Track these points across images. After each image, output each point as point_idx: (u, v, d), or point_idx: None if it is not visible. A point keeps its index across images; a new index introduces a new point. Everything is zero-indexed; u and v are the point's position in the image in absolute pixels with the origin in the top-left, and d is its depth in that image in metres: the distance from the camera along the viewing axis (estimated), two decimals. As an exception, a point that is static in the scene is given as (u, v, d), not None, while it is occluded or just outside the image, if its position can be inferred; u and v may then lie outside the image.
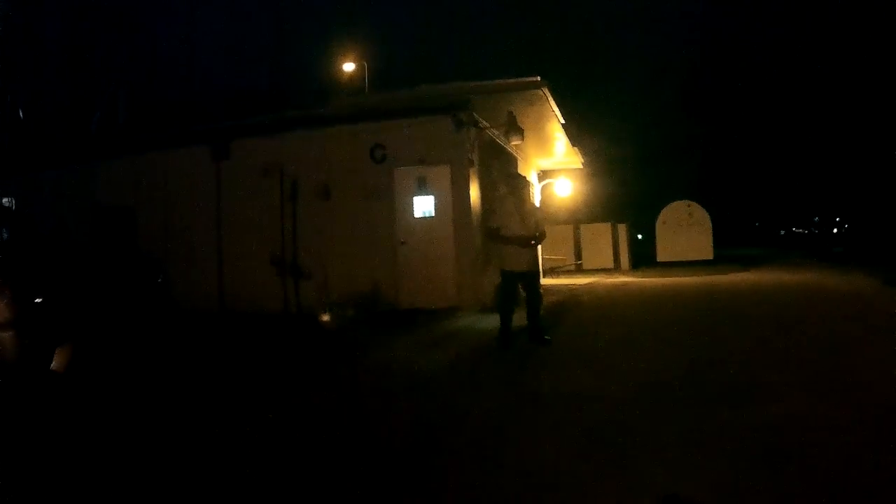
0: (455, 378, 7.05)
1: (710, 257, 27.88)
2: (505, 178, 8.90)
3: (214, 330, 11.64)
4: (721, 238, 28.40)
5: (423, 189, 12.78)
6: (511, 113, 13.01)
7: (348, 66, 20.26)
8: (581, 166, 22.12)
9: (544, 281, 19.92)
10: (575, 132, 17.54)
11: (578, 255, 26.20)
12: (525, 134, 15.34)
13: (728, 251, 34.60)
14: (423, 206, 12.79)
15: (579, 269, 25.45)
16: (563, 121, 14.81)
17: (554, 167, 22.10)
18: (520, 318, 8.72)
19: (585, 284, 18.67)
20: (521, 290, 8.74)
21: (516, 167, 17.57)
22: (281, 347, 9.48)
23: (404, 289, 12.78)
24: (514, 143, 13.40)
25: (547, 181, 21.79)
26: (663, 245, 28.83)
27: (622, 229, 26.70)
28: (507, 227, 8.46)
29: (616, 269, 25.94)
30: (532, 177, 20.22)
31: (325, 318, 12.01)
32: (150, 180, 14.60)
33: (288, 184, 13.25)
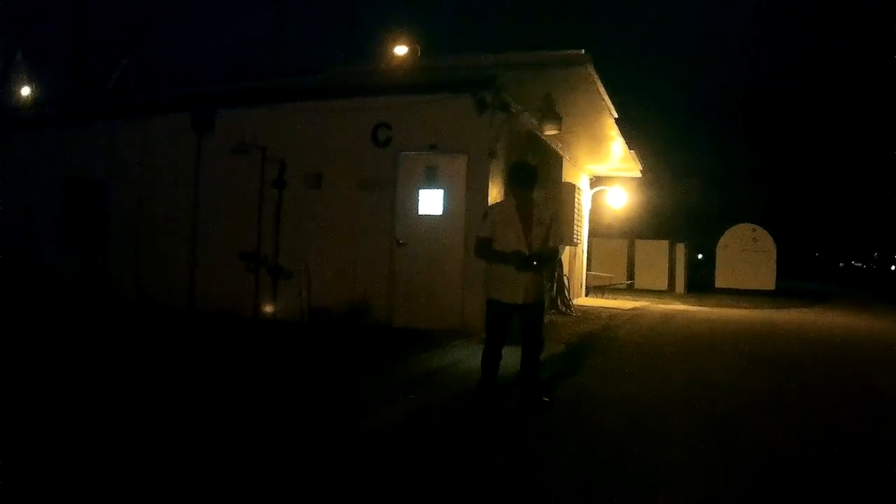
0: (373, 467, 4.68)
1: (772, 288, 25.48)
2: (512, 169, 6.42)
3: (141, 332, 9.50)
4: (780, 268, 26.31)
5: (431, 181, 10.43)
6: (549, 95, 10.53)
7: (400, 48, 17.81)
8: (639, 174, 19.47)
9: (586, 301, 17.36)
10: (631, 133, 14.98)
11: (630, 274, 23.78)
12: (573, 129, 12.95)
13: (787, 282, 31.57)
14: (431, 201, 10.44)
15: (630, 289, 22.97)
16: (615, 114, 12.27)
17: (608, 174, 19.45)
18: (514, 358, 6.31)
19: (630, 310, 16.05)
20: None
21: (560, 168, 15.10)
22: (192, 372, 7.21)
23: (398, 302, 10.44)
24: (548, 131, 10.89)
25: (600, 188, 19.21)
26: (723, 270, 26.44)
27: (680, 249, 24.44)
28: (501, 239, 6.03)
29: (670, 291, 23.58)
30: (582, 182, 17.66)
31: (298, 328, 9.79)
32: (125, 152, 12.55)
33: (273, 166, 11.00)
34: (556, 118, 10.58)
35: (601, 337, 11.27)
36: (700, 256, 30.19)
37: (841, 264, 69.69)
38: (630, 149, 15.83)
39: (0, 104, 14.13)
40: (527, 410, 6.06)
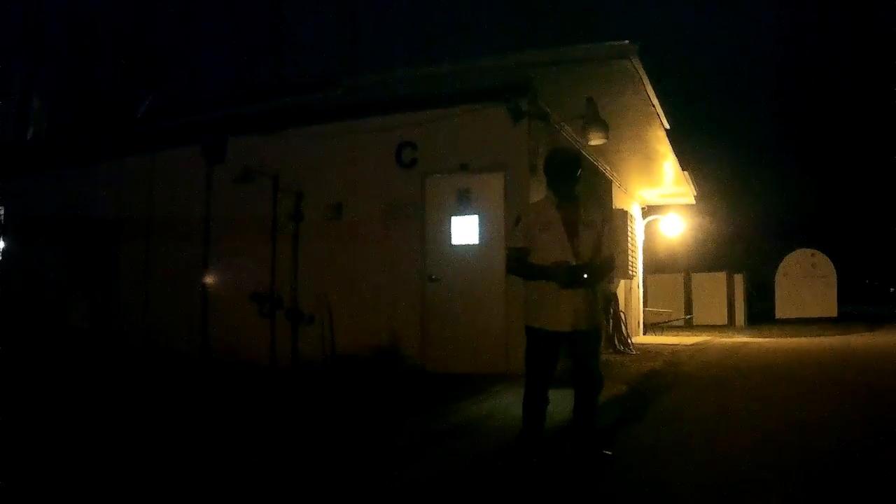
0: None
1: (834, 314, 23.80)
2: (549, 159, 5.03)
3: (143, 389, 8.28)
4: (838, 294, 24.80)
5: (465, 206, 9.18)
6: (591, 100, 9.26)
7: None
8: (693, 201, 18.03)
9: (643, 339, 15.82)
10: (684, 151, 13.62)
11: (688, 309, 22.25)
12: (621, 146, 11.72)
13: (844, 308, 29.63)
14: (465, 229, 9.17)
15: (688, 326, 21.41)
16: (666, 124, 10.96)
17: (660, 201, 18.02)
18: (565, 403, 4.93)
19: (693, 345, 14.50)
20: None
21: (610, 194, 13.79)
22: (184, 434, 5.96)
23: (432, 345, 9.12)
24: (594, 141, 9.55)
25: (653, 217, 17.80)
26: (783, 299, 24.87)
27: (738, 281, 22.97)
28: (539, 249, 4.72)
29: (730, 325, 21.99)
30: (634, 210, 16.26)
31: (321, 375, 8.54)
32: (133, 190, 11.51)
33: (289, 197, 9.88)
34: (602, 125, 9.30)
35: (666, 374, 9.85)
36: (753, 292, 28.31)
37: (892, 289, 67.51)
38: (683, 170, 14.46)
39: (7, 149, 13.30)
40: (582, 466, 4.68)
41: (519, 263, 4.79)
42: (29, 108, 13.83)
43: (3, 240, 13.62)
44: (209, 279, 10.55)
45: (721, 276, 22.83)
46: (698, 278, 22.87)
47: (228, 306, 10.23)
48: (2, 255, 13.53)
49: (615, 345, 12.43)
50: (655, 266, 20.82)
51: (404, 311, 9.28)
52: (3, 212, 13.86)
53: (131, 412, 6.94)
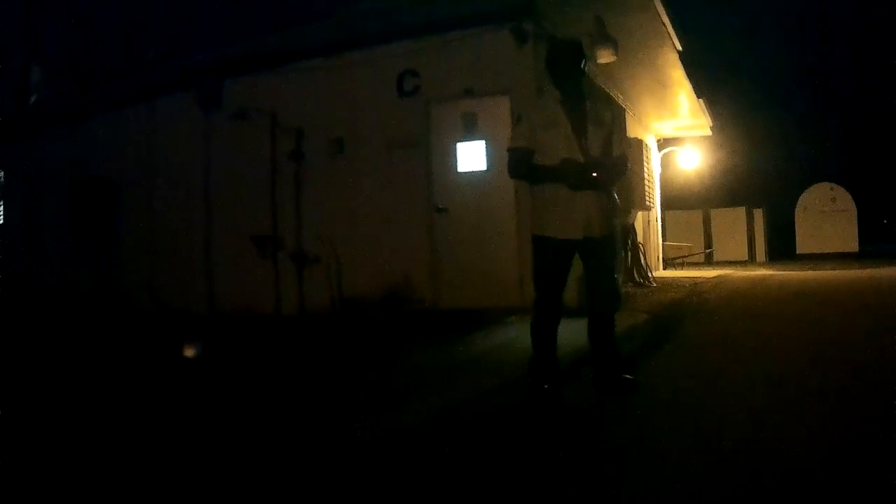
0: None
1: (856, 250, 23.36)
2: (551, 51, 4.56)
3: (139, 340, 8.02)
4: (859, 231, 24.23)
5: (471, 132, 8.77)
6: (599, 18, 8.79)
7: None
8: (709, 132, 17.46)
9: (663, 273, 15.40)
10: (698, 76, 13.07)
11: (708, 244, 21.86)
12: (632, 70, 11.25)
13: (864, 246, 28.97)
14: (471, 155, 8.77)
15: (708, 262, 21.05)
16: (678, 45, 10.46)
17: (676, 134, 17.46)
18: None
19: (714, 278, 14.12)
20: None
21: (624, 123, 13.30)
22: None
23: (443, 280, 8.80)
24: (603, 59, 9.07)
25: (669, 149, 17.28)
26: (804, 234, 24.31)
27: (758, 215, 22.54)
28: (545, 148, 4.30)
29: (750, 261, 21.69)
30: (650, 144, 15.75)
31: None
32: (131, 144, 11.20)
33: (289, 136, 9.52)
34: (611, 42, 8.84)
35: (689, 303, 9.55)
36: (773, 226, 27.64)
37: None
38: (699, 97, 13.93)
39: (7, 114, 13.06)
40: (604, 394, 4.33)
41: (523, 164, 4.40)
42: (29, 78, 13.58)
43: (4, 204, 13.44)
44: (212, 229, 10.26)
45: (740, 212, 22.50)
46: (717, 214, 22.47)
47: (233, 256, 9.96)
48: (3, 219, 13.37)
49: (634, 278, 12.07)
50: (673, 202, 20.41)
51: (412, 246, 8.94)
52: (2, 175, 13.68)
53: (126, 368, 6.73)
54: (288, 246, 9.46)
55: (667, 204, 19.21)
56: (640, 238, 12.82)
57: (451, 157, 8.83)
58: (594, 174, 4.20)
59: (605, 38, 8.79)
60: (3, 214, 13.41)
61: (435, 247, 8.86)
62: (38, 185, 12.37)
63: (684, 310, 8.76)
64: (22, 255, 12.35)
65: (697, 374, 4.88)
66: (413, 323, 7.99)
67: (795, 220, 24.48)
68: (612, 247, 4.51)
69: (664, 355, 5.76)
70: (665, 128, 16.58)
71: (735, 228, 22.21)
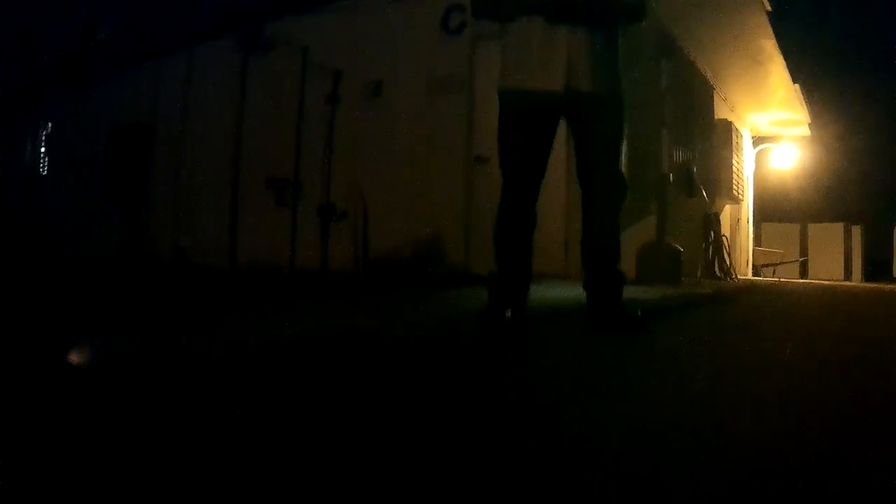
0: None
1: None
2: None
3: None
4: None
5: (520, 74, 7.72)
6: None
7: None
8: (808, 131, 15.82)
9: (750, 277, 13.92)
10: (794, 53, 11.61)
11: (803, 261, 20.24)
12: (715, 33, 10.00)
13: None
14: (519, 100, 7.72)
15: (802, 276, 19.43)
16: (769, 6, 9.18)
17: (772, 130, 15.88)
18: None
19: (803, 283, 12.68)
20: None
21: (711, 102, 12.03)
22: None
23: (478, 240, 7.59)
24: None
25: (763, 146, 15.77)
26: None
27: (856, 232, 20.66)
28: None
29: (846, 280, 19.86)
30: (743, 135, 14.33)
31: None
32: (169, 92, 10.60)
33: (325, 78, 8.62)
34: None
35: (766, 290, 8.24)
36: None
37: None
38: (794, 82, 12.47)
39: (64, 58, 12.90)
40: (596, 331, 3.15)
41: None
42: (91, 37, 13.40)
43: (49, 156, 13.18)
44: (239, 180, 9.47)
45: (837, 228, 20.62)
46: (814, 229, 20.71)
47: (256, 208, 9.13)
48: (47, 172, 13.08)
49: (714, 271, 10.70)
50: (770, 214, 18.92)
51: (447, 201, 7.88)
52: (50, 126, 13.41)
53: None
54: (307, 192, 8.56)
55: (764, 215, 17.78)
56: (724, 230, 11.45)
57: (496, 101, 7.76)
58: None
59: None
60: (48, 167, 13.10)
61: (471, 204, 7.77)
62: (79, 137, 11.97)
63: (751, 291, 7.49)
64: (57, 208, 11.92)
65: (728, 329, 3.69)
66: (440, 283, 6.94)
67: (894, 240, 22.32)
68: (610, 111, 3.30)
69: (714, 312, 4.59)
70: (760, 121, 15.08)
71: (830, 246, 20.43)
